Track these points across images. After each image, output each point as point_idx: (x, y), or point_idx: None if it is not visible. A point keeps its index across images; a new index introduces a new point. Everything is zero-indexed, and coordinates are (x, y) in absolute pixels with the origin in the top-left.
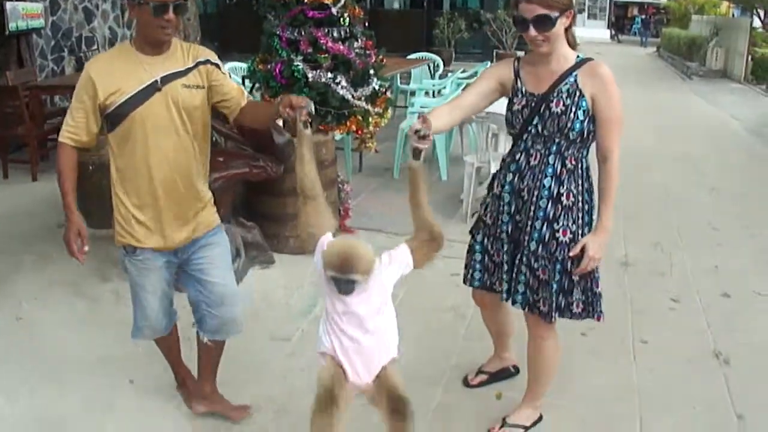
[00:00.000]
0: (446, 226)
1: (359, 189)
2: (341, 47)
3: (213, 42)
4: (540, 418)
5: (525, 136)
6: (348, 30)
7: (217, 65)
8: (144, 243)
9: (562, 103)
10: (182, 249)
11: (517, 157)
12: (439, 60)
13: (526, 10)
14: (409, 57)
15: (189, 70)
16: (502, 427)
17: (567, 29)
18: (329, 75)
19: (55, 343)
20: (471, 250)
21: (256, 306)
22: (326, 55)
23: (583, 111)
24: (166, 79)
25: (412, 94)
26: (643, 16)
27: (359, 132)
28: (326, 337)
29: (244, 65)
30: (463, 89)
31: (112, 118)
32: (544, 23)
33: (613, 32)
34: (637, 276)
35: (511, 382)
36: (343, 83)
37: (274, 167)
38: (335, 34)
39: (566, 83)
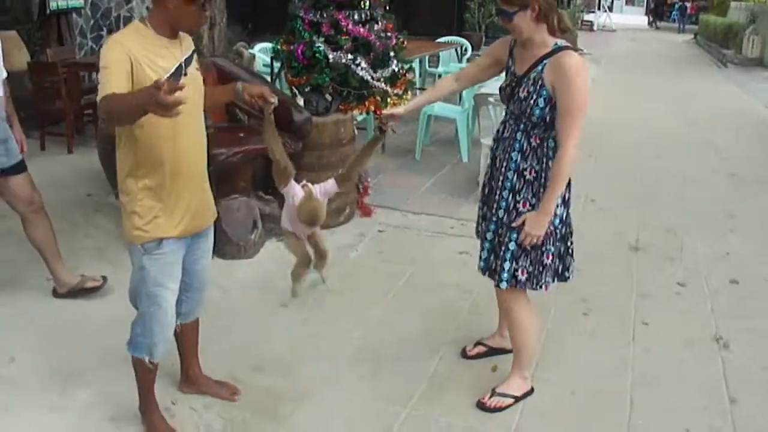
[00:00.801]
0: (461, 205)
1: (380, 168)
2: (361, 29)
3: (247, 23)
4: (531, 391)
5: (506, 111)
6: (369, 13)
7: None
8: (172, 232)
9: (526, 89)
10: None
11: (500, 127)
12: (467, 44)
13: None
14: (438, 41)
15: (192, 53)
16: (492, 396)
17: (538, 19)
18: (349, 56)
19: (78, 302)
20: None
21: (271, 276)
22: (347, 37)
23: (544, 99)
24: (188, 62)
25: (439, 76)
26: (681, 2)
27: (378, 112)
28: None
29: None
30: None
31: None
32: (504, 16)
33: (651, 18)
34: (646, 260)
35: (508, 356)
36: (363, 65)
37: (293, 143)
38: (356, 17)
39: (535, 71)
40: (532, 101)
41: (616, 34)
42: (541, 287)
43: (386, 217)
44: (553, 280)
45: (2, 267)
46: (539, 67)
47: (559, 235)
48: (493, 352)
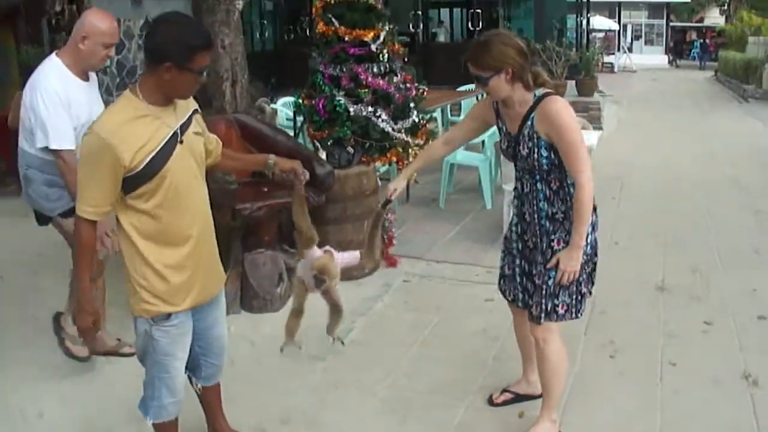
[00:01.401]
0: (486, 252)
1: (405, 218)
2: (381, 82)
3: (270, 78)
4: None
5: (516, 168)
6: (387, 65)
7: (201, 114)
8: (181, 305)
9: (526, 146)
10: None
11: (517, 185)
12: None
13: (469, 66)
14: (458, 89)
15: (191, 117)
16: None
17: (514, 80)
18: (370, 109)
19: (107, 359)
20: (501, 259)
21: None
22: (367, 89)
23: (545, 148)
24: (183, 128)
25: None
26: (702, 40)
27: (400, 163)
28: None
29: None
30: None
31: (137, 179)
32: (479, 81)
33: (671, 57)
34: (672, 300)
35: (534, 402)
36: (384, 116)
37: (316, 197)
38: (375, 70)
39: (527, 126)
40: (535, 155)
41: (637, 75)
42: (577, 316)
43: (411, 267)
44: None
45: (30, 323)
46: (529, 122)
47: (592, 265)
48: (519, 398)
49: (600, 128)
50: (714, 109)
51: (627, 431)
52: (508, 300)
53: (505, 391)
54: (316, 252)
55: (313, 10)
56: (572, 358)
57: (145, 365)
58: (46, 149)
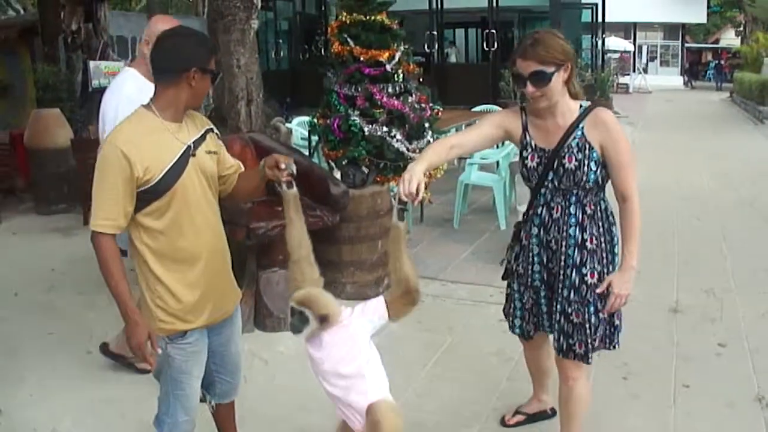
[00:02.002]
0: (500, 273)
1: (419, 238)
2: (396, 102)
3: (285, 97)
4: None
5: (543, 190)
6: (402, 86)
7: (218, 135)
8: (196, 323)
9: (574, 158)
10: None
11: (539, 210)
12: None
13: (522, 66)
14: (473, 109)
15: (204, 135)
16: None
17: (567, 81)
18: (384, 129)
19: (120, 375)
20: (509, 299)
21: None
22: (382, 109)
23: (595, 162)
24: (196, 145)
25: None
26: (717, 61)
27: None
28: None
29: None
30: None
31: (150, 194)
32: (541, 79)
33: (686, 78)
34: (686, 322)
35: (548, 422)
36: (399, 136)
37: (331, 216)
38: (390, 90)
39: (574, 137)
40: (585, 168)
41: (652, 96)
42: (612, 347)
43: (425, 287)
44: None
45: (45, 339)
46: (578, 132)
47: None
48: (532, 418)
49: None
50: (729, 131)
51: None
52: (528, 336)
53: (517, 412)
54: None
55: (329, 30)
56: None
57: (161, 382)
58: None
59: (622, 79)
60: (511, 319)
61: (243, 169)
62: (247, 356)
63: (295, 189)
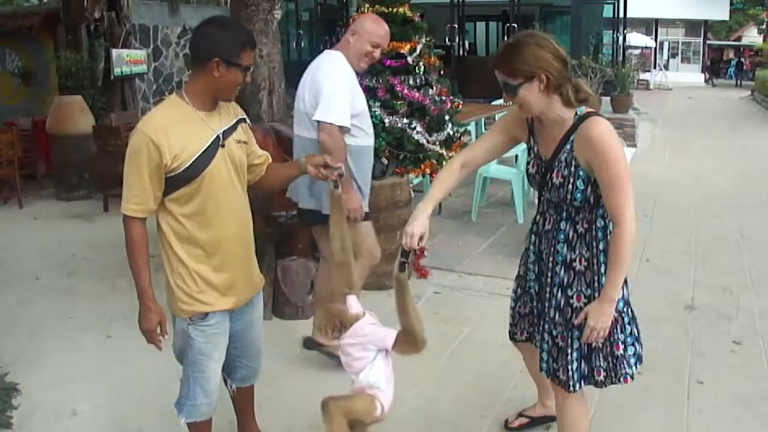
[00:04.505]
0: (517, 266)
1: (437, 230)
2: (416, 94)
3: None
4: None
5: (541, 199)
6: (423, 78)
7: (249, 125)
8: (217, 306)
9: (560, 174)
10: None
11: (537, 218)
12: None
13: (496, 74)
14: (493, 103)
15: (236, 125)
16: None
17: (556, 91)
18: (405, 120)
19: (139, 359)
20: (511, 300)
21: None
22: (402, 101)
23: (583, 180)
24: (226, 134)
25: None
26: (738, 59)
27: (433, 175)
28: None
29: None
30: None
31: (178, 180)
32: (507, 90)
33: (708, 76)
34: (702, 319)
35: (554, 425)
36: (419, 128)
37: None
38: (411, 82)
39: (564, 151)
40: (570, 186)
41: (673, 93)
42: (620, 380)
43: (442, 279)
44: (636, 366)
45: (65, 323)
46: (567, 146)
47: (627, 319)
48: (535, 422)
49: (634, 145)
50: (750, 129)
51: None
52: (520, 341)
53: (520, 415)
54: (353, 304)
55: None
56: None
57: (183, 365)
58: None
59: (643, 76)
60: (513, 322)
61: (271, 160)
62: (265, 344)
63: (341, 189)
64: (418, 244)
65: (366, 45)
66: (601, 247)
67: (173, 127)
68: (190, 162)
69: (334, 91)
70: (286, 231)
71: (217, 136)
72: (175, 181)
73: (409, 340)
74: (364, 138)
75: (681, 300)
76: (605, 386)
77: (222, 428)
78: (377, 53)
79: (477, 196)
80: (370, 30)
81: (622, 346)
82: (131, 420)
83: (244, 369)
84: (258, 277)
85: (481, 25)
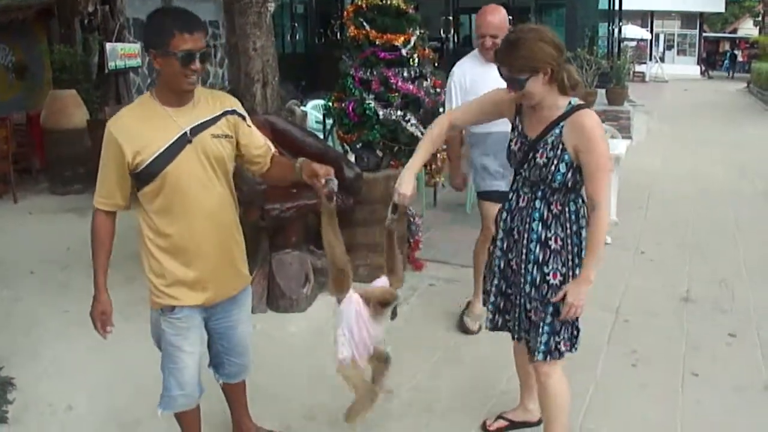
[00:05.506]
0: None
1: (431, 223)
2: (411, 86)
3: (300, 80)
4: None
5: (518, 177)
6: (417, 70)
7: (243, 116)
8: (185, 301)
9: (545, 155)
10: (216, 304)
11: (511, 196)
12: None
13: (499, 69)
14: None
15: (217, 118)
16: None
17: (552, 81)
18: (399, 113)
19: (133, 351)
20: (485, 291)
21: (322, 329)
22: (396, 93)
23: (566, 164)
24: (196, 130)
25: None
26: (731, 51)
27: (428, 167)
28: (347, 349)
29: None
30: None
31: (143, 177)
32: (514, 84)
33: (704, 68)
34: (697, 311)
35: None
36: (413, 120)
37: (345, 199)
38: (405, 74)
39: (552, 134)
40: (552, 167)
41: (668, 85)
42: (576, 350)
43: (437, 271)
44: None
45: (60, 317)
46: (556, 130)
47: None
48: (514, 426)
49: (629, 137)
50: (745, 122)
51: None
52: (495, 328)
53: (499, 417)
54: (356, 300)
55: (345, 13)
56: (593, 366)
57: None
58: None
59: (639, 68)
60: (487, 313)
61: (273, 149)
62: (260, 336)
63: (334, 203)
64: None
65: (479, 38)
66: (574, 228)
67: (137, 125)
68: (151, 159)
69: (447, 89)
70: (280, 224)
71: (184, 133)
72: (140, 177)
73: (392, 279)
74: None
75: (676, 292)
76: (562, 356)
77: (217, 417)
78: (488, 41)
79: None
80: (477, 23)
81: (578, 321)
82: (126, 413)
83: (232, 366)
84: (241, 274)
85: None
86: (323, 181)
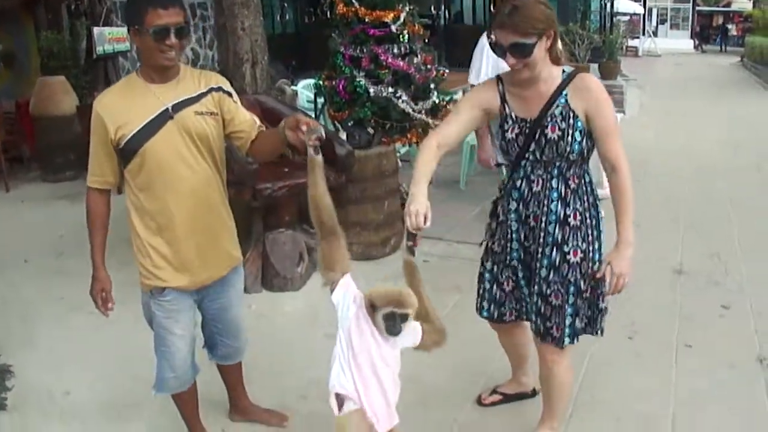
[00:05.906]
0: None
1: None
2: (401, 63)
3: (290, 60)
4: None
5: (523, 163)
6: (408, 46)
7: (229, 93)
8: (172, 282)
9: (557, 128)
10: (207, 286)
11: (518, 184)
12: None
13: (500, 36)
14: None
15: (201, 96)
16: None
17: (550, 47)
18: (390, 89)
19: (130, 334)
20: (481, 279)
21: (317, 308)
22: (387, 70)
23: (580, 131)
24: (178, 107)
25: None
26: (722, 24)
27: (420, 144)
28: (345, 376)
29: None
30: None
31: (125, 153)
32: (521, 51)
33: (697, 42)
34: (690, 284)
35: (530, 402)
36: (404, 97)
37: (337, 177)
38: (395, 51)
39: (557, 105)
40: (569, 138)
41: (661, 59)
42: (597, 333)
43: (431, 247)
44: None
45: (56, 304)
46: (561, 100)
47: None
48: (509, 398)
49: (622, 112)
50: (739, 96)
51: (641, 410)
52: (509, 321)
53: (494, 392)
54: (352, 290)
55: None
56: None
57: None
58: None
59: (632, 42)
60: (480, 301)
61: (258, 123)
62: (255, 316)
63: (321, 155)
64: (424, 223)
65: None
66: (591, 200)
67: (120, 102)
68: (131, 134)
69: (480, 69)
70: (272, 203)
71: (166, 109)
72: (123, 154)
73: (432, 330)
74: None
75: (670, 265)
76: (579, 335)
77: (216, 396)
78: None
79: (465, 164)
80: None
81: (603, 300)
82: (125, 398)
83: (225, 347)
84: (230, 255)
85: None
86: (304, 128)
